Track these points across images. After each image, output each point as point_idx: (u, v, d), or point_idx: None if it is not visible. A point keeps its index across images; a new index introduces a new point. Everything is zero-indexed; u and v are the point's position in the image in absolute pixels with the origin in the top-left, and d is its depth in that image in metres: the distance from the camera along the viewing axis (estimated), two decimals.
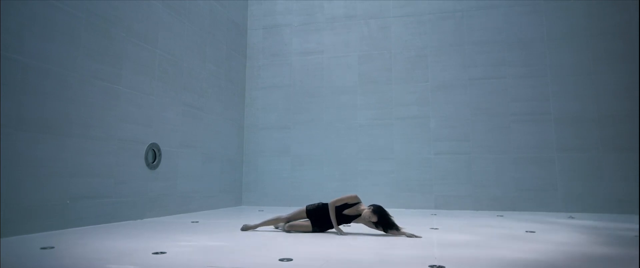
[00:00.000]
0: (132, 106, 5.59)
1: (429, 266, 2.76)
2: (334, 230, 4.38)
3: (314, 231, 4.42)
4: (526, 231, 4.53)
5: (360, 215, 4.30)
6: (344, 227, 4.58)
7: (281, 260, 2.93)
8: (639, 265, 2.85)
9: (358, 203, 4.37)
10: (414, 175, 7.80)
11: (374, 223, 4.22)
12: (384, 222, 4.16)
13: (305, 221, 4.43)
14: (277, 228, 4.62)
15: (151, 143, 5.93)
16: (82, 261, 2.90)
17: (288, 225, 4.41)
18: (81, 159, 4.76)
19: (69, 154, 4.60)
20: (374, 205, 4.28)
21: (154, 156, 6.01)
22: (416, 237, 4.06)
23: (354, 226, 4.69)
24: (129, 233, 4.29)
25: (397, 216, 6.36)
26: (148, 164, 5.84)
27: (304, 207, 4.58)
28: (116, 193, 5.26)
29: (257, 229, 4.56)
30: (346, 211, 4.34)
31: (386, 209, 4.31)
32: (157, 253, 3.16)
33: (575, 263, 2.94)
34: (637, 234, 4.31)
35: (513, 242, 3.81)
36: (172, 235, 4.18)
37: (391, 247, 3.52)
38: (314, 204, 4.56)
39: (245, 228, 4.52)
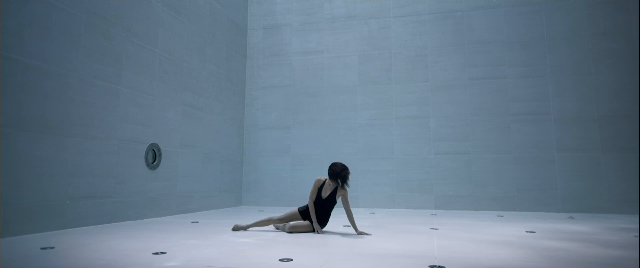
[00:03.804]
0: (132, 106, 5.59)
1: (429, 266, 2.76)
2: (340, 228, 4.39)
3: (315, 230, 4.43)
4: (526, 231, 4.53)
5: (335, 188, 4.42)
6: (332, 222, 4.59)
7: (281, 260, 2.93)
8: (639, 265, 2.85)
9: (325, 180, 4.48)
10: (414, 175, 7.80)
11: (335, 183, 4.34)
12: (332, 175, 4.28)
13: (305, 222, 4.43)
14: (277, 228, 4.61)
15: (151, 143, 5.93)
16: (82, 261, 2.90)
17: (289, 226, 4.41)
18: (81, 159, 4.76)
19: (69, 154, 4.60)
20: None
21: (154, 156, 6.01)
22: (366, 234, 4.24)
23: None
24: (129, 233, 4.29)
25: (397, 216, 6.38)
26: (148, 164, 5.84)
27: (295, 209, 4.60)
28: (116, 193, 5.26)
29: (249, 229, 4.55)
30: (324, 194, 4.42)
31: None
32: (157, 253, 3.16)
33: (575, 263, 2.94)
34: (637, 234, 4.31)
35: (513, 243, 3.81)
36: (172, 235, 4.18)
37: (391, 247, 3.52)
38: (304, 206, 4.58)
39: (236, 229, 4.52)
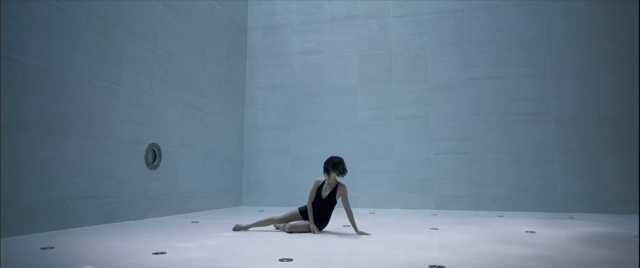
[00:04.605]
0: (132, 106, 5.59)
1: (429, 266, 2.76)
2: (340, 228, 4.39)
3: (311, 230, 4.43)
4: (526, 232, 4.53)
5: (334, 188, 4.43)
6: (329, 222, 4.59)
7: (281, 260, 2.93)
8: (639, 265, 2.85)
9: (324, 181, 4.49)
10: (414, 175, 7.80)
11: (334, 178, 4.42)
12: (330, 167, 4.38)
13: (305, 222, 4.43)
14: (278, 228, 4.61)
15: (151, 143, 5.93)
16: (82, 261, 2.90)
17: (289, 226, 4.41)
18: (81, 159, 4.76)
19: (69, 154, 4.60)
20: None
21: (154, 156, 6.01)
22: (366, 234, 4.26)
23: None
24: (129, 233, 4.29)
25: (397, 216, 6.38)
26: (148, 164, 5.84)
27: (296, 209, 4.61)
28: (116, 193, 5.26)
29: (250, 229, 4.55)
30: (323, 194, 4.42)
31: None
32: (157, 253, 3.16)
33: (575, 263, 2.94)
34: (637, 234, 4.31)
35: (513, 242, 3.81)
36: (172, 235, 4.18)
37: (391, 248, 3.52)
38: (305, 206, 4.57)
39: (237, 228, 4.52)
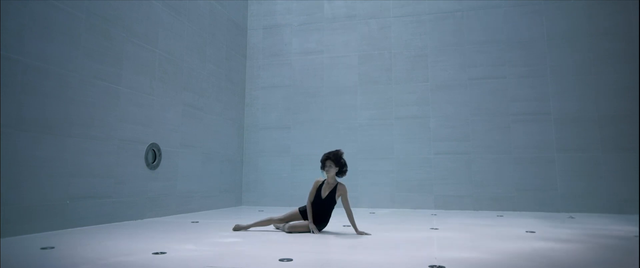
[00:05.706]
0: (132, 106, 5.59)
1: (429, 266, 2.76)
2: (340, 228, 4.39)
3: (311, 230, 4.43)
4: (526, 231, 4.53)
5: (333, 188, 4.43)
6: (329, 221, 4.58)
7: (281, 260, 2.93)
8: (639, 265, 2.85)
9: (323, 181, 4.50)
10: (414, 175, 7.80)
11: (333, 177, 4.42)
12: (324, 161, 4.41)
13: (305, 222, 4.43)
14: (278, 228, 4.61)
15: (151, 143, 5.93)
16: (82, 261, 2.90)
17: (289, 226, 4.40)
18: (81, 159, 4.76)
19: (69, 154, 4.60)
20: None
21: (154, 156, 6.01)
22: (366, 234, 4.25)
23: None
24: (129, 233, 4.29)
25: (397, 216, 6.38)
26: (148, 165, 5.84)
27: (296, 209, 4.61)
28: (116, 193, 5.26)
29: (250, 229, 4.55)
30: (323, 194, 4.43)
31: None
32: (157, 253, 3.16)
33: (575, 263, 2.94)
34: (637, 234, 4.31)
35: (513, 242, 3.81)
36: (172, 235, 4.18)
37: (391, 247, 3.52)
38: (305, 206, 4.57)
39: (237, 228, 4.52)
